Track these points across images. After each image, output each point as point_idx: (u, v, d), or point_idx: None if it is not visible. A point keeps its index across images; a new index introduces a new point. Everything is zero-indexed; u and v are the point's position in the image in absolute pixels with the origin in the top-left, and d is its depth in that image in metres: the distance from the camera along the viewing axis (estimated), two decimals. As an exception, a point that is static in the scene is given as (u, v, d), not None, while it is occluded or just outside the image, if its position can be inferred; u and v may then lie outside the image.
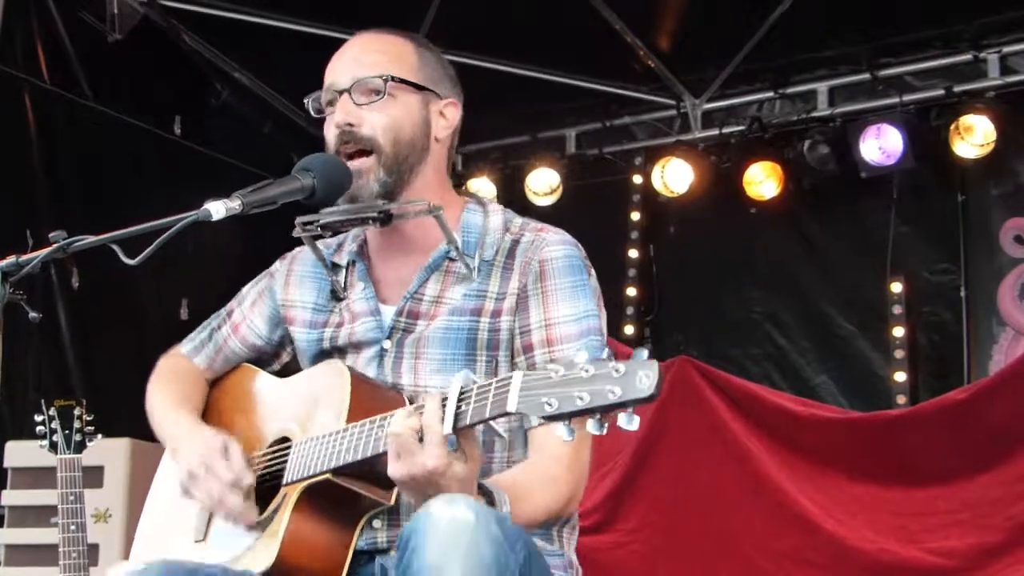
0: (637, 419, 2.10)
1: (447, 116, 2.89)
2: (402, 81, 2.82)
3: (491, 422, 2.27)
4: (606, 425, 2.12)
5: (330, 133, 2.83)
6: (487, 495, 2.43)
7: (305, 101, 2.90)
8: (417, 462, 2.32)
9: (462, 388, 2.30)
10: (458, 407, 2.29)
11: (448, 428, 2.29)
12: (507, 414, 2.21)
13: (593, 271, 2.84)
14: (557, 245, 2.81)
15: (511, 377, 2.21)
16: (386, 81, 2.79)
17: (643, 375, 2.07)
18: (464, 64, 3.01)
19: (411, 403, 2.52)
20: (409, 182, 2.81)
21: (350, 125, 2.78)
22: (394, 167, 2.78)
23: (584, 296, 2.77)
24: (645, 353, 2.11)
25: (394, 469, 2.36)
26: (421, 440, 2.32)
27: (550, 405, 2.13)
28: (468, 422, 2.28)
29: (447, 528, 2.24)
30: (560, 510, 2.66)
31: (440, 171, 2.90)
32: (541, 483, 2.58)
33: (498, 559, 2.24)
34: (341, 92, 2.81)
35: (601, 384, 2.10)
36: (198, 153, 7.22)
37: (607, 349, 2.15)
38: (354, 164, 2.77)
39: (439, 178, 2.89)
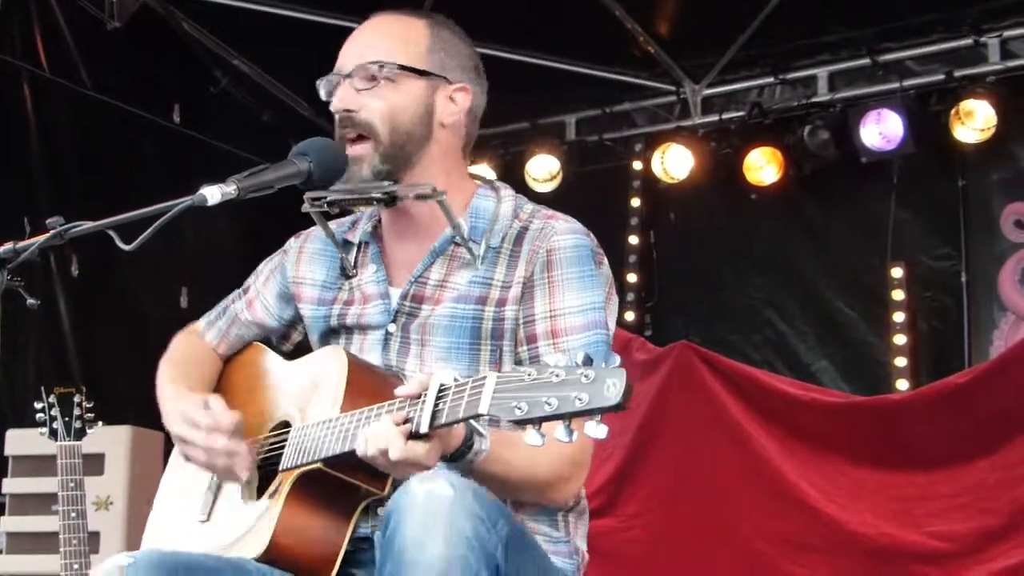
0: (605, 428, 2.09)
1: (456, 101, 2.85)
2: (401, 67, 2.78)
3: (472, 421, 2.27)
4: (575, 433, 2.11)
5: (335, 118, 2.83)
6: (468, 428, 2.43)
7: (317, 84, 2.87)
8: (401, 468, 2.36)
9: (442, 385, 2.30)
10: (436, 404, 2.29)
11: (425, 427, 2.30)
12: (479, 416, 2.22)
13: (605, 260, 2.82)
14: (566, 234, 2.78)
15: (485, 378, 2.21)
16: (381, 67, 2.77)
17: (611, 383, 2.07)
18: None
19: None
20: (409, 168, 2.79)
21: (348, 111, 2.77)
22: (390, 154, 2.76)
23: (591, 287, 2.74)
24: (616, 360, 2.10)
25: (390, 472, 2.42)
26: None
27: (520, 409, 2.13)
28: (444, 421, 2.29)
29: (425, 503, 2.26)
30: (545, 477, 2.62)
31: (449, 156, 2.86)
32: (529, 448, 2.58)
33: (478, 533, 2.26)
34: (344, 77, 2.80)
35: (569, 390, 2.09)
36: (197, 141, 7.21)
37: (582, 354, 2.13)
38: (352, 150, 2.76)
39: (447, 163, 2.86)
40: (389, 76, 2.77)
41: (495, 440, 2.47)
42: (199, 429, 2.71)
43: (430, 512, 2.25)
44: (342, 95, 2.79)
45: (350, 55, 2.83)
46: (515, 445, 2.47)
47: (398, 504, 2.30)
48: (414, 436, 2.34)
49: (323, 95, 2.87)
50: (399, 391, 2.40)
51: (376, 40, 2.83)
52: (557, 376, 2.11)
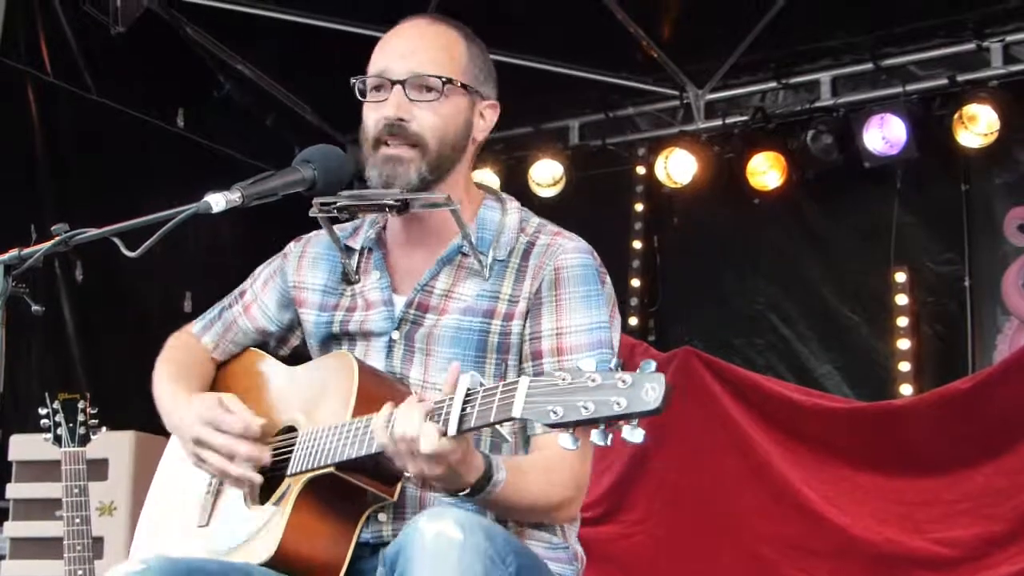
0: (642, 432, 2.09)
1: (486, 118, 2.88)
2: (458, 84, 2.80)
3: (497, 426, 2.27)
4: (611, 436, 2.11)
5: (372, 120, 2.79)
6: (486, 460, 2.44)
7: (352, 81, 2.84)
8: (421, 467, 2.35)
9: (468, 389, 2.30)
10: (463, 409, 2.29)
11: (453, 430, 2.29)
12: (512, 419, 2.21)
13: (608, 279, 2.83)
14: (572, 253, 2.79)
15: (517, 382, 2.21)
16: (445, 83, 2.77)
17: (649, 387, 2.07)
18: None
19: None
20: (444, 179, 2.80)
21: (401, 120, 2.76)
22: (436, 165, 2.77)
23: (597, 306, 2.76)
24: (653, 365, 2.11)
25: (406, 468, 2.39)
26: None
27: (555, 413, 2.13)
28: (472, 425, 2.28)
29: (434, 546, 2.26)
30: (557, 500, 2.65)
31: (469, 169, 2.90)
32: (544, 467, 2.58)
33: (489, 574, 2.26)
34: (394, 83, 2.78)
35: (606, 394, 2.10)
36: (201, 146, 7.23)
37: (615, 360, 2.14)
38: (397, 151, 2.75)
39: (466, 175, 2.89)
40: (446, 92, 2.77)
41: (509, 468, 2.47)
42: (223, 433, 2.71)
43: (440, 557, 2.25)
44: (396, 103, 2.76)
45: (398, 60, 2.80)
46: (526, 472, 2.51)
47: (406, 545, 2.29)
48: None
49: (358, 93, 2.84)
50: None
51: (429, 50, 2.81)
52: (593, 380, 2.12)
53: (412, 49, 2.81)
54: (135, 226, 2.44)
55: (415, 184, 2.74)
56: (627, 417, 2.09)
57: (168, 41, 7.03)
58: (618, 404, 2.08)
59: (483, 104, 2.87)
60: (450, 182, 2.81)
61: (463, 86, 2.81)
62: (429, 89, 2.77)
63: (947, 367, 6.75)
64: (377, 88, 2.81)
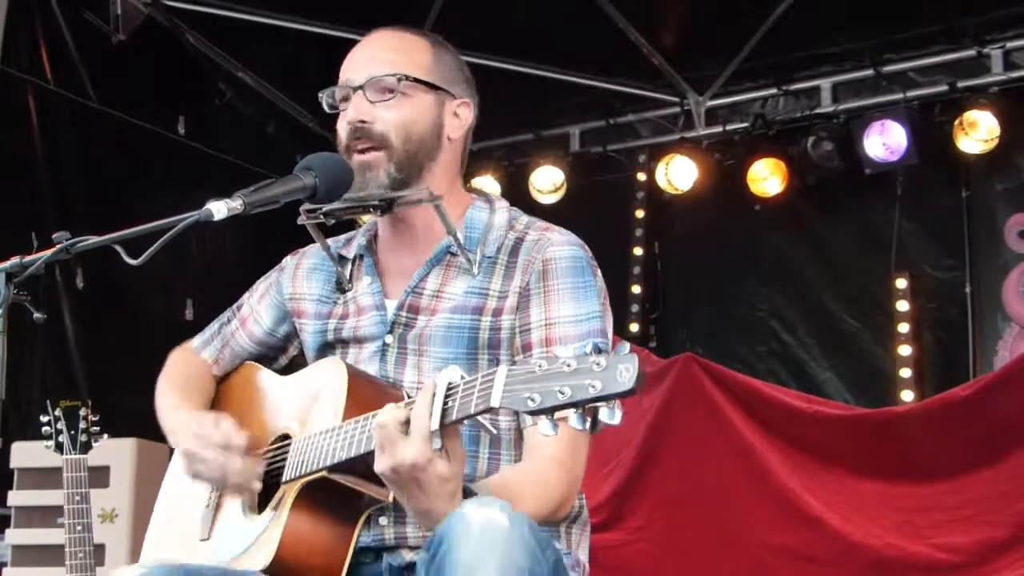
0: (619, 413, 2.11)
1: (460, 116, 2.88)
2: (416, 80, 2.81)
3: (479, 418, 2.27)
4: (588, 420, 2.12)
5: (342, 129, 2.83)
6: (467, 493, 2.43)
7: (320, 95, 2.88)
8: (398, 455, 2.32)
9: (449, 383, 2.30)
10: (445, 403, 2.29)
11: (435, 424, 2.29)
12: (491, 409, 2.21)
13: (599, 272, 2.82)
14: (562, 245, 2.79)
15: (495, 372, 2.21)
16: (400, 80, 2.79)
17: (623, 368, 2.08)
18: (467, 62, 3.00)
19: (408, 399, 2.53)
20: (419, 179, 2.80)
21: (362, 122, 2.78)
22: (404, 163, 2.78)
23: (588, 297, 2.75)
24: (627, 347, 2.12)
25: (378, 463, 2.36)
26: (407, 433, 2.32)
27: (532, 400, 2.14)
28: (455, 417, 2.28)
29: (480, 531, 2.24)
30: (550, 514, 2.64)
31: (450, 170, 2.89)
32: (532, 486, 2.57)
33: (532, 566, 2.24)
34: (355, 89, 2.81)
35: (582, 378, 2.10)
36: (202, 153, 7.22)
37: (591, 344, 2.15)
38: (364, 157, 2.78)
39: (449, 177, 2.88)
40: (404, 90, 2.79)
41: (494, 487, 2.50)
42: (211, 447, 2.72)
43: (485, 541, 2.23)
44: (357, 106, 2.80)
45: (359, 68, 2.84)
46: (512, 484, 2.52)
47: (451, 529, 2.28)
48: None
49: (326, 107, 2.89)
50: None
51: (385, 54, 2.84)
52: (569, 366, 2.12)
53: (370, 55, 2.85)
54: (137, 234, 2.44)
55: (386, 185, 2.77)
56: (604, 399, 2.10)
57: (169, 48, 7.04)
58: (593, 387, 2.09)
59: (455, 103, 2.88)
60: (427, 181, 2.81)
61: (425, 83, 2.83)
62: (388, 90, 2.79)
63: (948, 373, 6.76)
64: (344, 99, 2.85)
